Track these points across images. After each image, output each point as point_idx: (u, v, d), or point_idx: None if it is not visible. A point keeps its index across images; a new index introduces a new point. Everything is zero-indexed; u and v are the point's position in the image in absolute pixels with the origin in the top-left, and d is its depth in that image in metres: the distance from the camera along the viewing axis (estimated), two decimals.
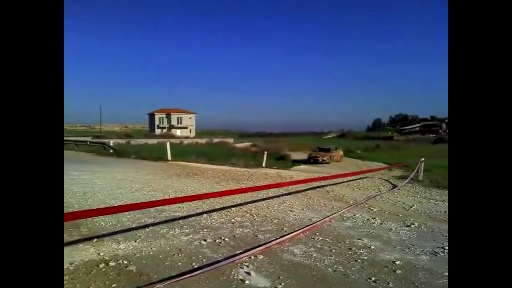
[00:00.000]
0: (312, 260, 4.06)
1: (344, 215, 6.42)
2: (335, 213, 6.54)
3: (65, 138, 33.15)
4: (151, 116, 78.65)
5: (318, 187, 9.51)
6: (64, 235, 4.72)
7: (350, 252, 4.33)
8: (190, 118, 79.03)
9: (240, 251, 4.26)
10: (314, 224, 5.58)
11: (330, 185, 9.93)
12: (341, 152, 30.96)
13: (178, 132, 71.03)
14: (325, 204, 7.51)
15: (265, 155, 19.67)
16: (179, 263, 3.87)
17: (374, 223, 5.91)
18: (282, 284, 3.38)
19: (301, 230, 5.17)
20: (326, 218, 6.04)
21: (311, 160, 27.48)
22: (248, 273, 3.58)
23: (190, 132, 75.35)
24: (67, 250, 4.14)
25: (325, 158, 27.12)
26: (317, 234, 5.06)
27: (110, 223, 5.36)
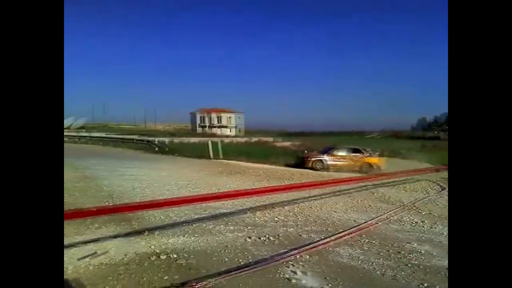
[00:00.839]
0: (359, 262, 3.98)
1: (391, 217, 6.22)
2: (381, 215, 6.35)
3: (113, 136, 35.00)
4: (193, 115, 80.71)
5: (362, 187, 9.28)
6: (117, 228, 4.99)
7: (399, 256, 4.19)
8: (230, 118, 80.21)
9: (285, 250, 4.27)
10: (359, 226, 5.47)
11: (374, 186, 9.66)
12: (376, 159, 16.30)
13: (218, 131, 72.35)
14: (370, 205, 7.32)
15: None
16: (226, 259, 3.96)
17: (423, 226, 5.68)
18: (330, 285, 3.35)
19: (346, 232, 5.08)
20: (372, 220, 5.89)
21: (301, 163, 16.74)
22: (295, 272, 3.58)
23: (231, 131, 76.44)
24: (121, 242, 4.38)
25: (317, 165, 15.95)
26: (363, 236, 4.95)
27: (159, 217, 5.59)
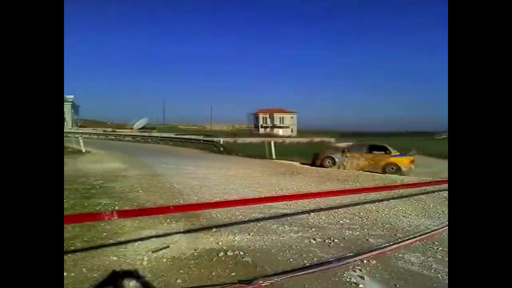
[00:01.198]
0: (432, 271, 3.74)
1: None
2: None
3: (181, 136, 37.03)
4: (255, 116, 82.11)
5: (434, 192, 8.67)
6: (187, 223, 5.30)
7: None
8: (292, 118, 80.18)
9: (351, 254, 4.17)
10: (432, 233, 5.13)
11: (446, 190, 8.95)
12: (407, 159, 13.81)
13: (280, 132, 72.68)
14: (443, 211, 6.81)
15: None
16: (291, 259, 3.99)
17: None
18: None
19: (417, 238, 4.81)
20: (446, 227, 5.48)
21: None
22: (362, 277, 3.49)
23: (292, 132, 76.32)
24: (191, 237, 4.65)
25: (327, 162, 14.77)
26: (436, 243, 4.63)
27: (225, 215, 5.81)
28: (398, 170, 13.48)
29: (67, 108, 74.35)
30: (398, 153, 14.21)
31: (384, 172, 13.54)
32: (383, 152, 14.40)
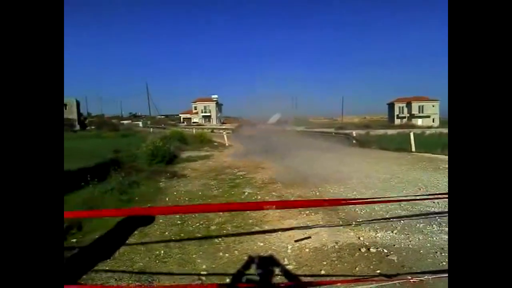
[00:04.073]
0: None
1: None
2: None
3: (313, 130, 37.38)
4: (390, 105, 76.63)
5: None
6: (326, 217, 5.35)
7: None
8: (433, 106, 71.79)
9: None
10: None
11: None
12: None
13: (419, 122, 66.07)
14: None
15: None
16: (443, 263, 3.63)
17: None
18: None
19: None
20: None
21: None
22: None
23: (433, 121, 68.39)
24: (331, 230, 4.69)
25: None
26: None
27: (365, 210, 5.64)
28: None
29: (212, 106, 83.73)
30: None
31: None
32: None
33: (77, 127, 44.42)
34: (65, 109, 47.14)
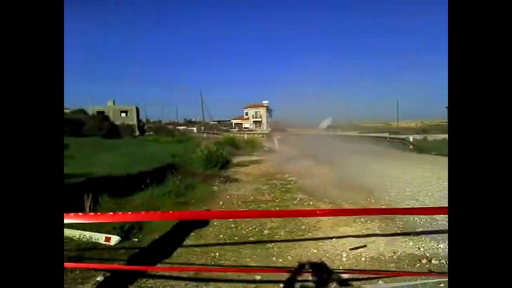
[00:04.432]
0: None
1: None
2: None
3: (367, 135, 36.14)
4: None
5: None
6: (382, 225, 5.15)
7: None
8: None
9: None
10: None
11: None
12: None
13: None
14: None
15: None
16: None
17: None
18: None
19: None
20: None
21: None
22: None
23: None
24: (388, 239, 4.51)
25: None
26: None
27: (425, 219, 5.35)
28: None
29: (262, 111, 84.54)
30: None
31: None
32: None
33: (137, 132, 47.03)
34: (126, 115, 50.40)
